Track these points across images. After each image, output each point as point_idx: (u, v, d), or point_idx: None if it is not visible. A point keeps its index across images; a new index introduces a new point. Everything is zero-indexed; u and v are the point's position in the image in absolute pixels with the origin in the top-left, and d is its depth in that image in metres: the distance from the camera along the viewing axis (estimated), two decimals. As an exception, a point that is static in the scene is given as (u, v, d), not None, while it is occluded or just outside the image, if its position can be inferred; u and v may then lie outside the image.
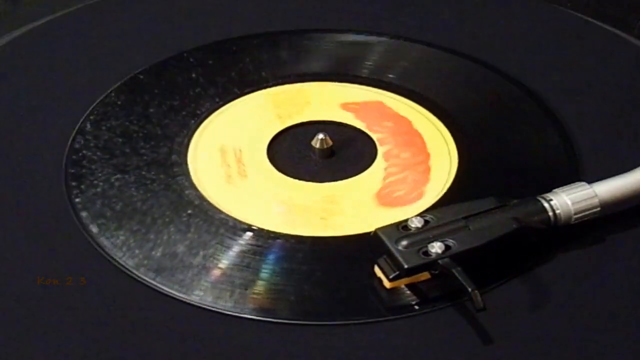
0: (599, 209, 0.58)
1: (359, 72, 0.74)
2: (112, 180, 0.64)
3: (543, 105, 0.70)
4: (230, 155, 0.66)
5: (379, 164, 0.65)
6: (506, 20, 0.82)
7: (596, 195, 0.58)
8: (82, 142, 0.67)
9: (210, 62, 0.75)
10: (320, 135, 0.66)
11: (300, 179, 0.64)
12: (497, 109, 0.71)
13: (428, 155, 0.66)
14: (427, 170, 0.65)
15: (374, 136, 0.68)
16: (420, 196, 0.63)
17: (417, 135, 0.68)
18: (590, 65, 0.76)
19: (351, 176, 0.65)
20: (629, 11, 0.88)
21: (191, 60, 0.75)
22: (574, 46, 0.78)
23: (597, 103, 0.71)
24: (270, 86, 0.73)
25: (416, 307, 0.55)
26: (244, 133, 0.68)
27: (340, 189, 0.63)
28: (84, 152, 0.66)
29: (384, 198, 0.63)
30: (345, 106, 0.71)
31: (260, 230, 0.60)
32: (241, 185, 0.64)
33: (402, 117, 0.69)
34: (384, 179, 0.64)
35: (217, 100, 0.71)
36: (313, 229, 0.60)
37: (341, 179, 0.64)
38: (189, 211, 0.61)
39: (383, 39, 0.78)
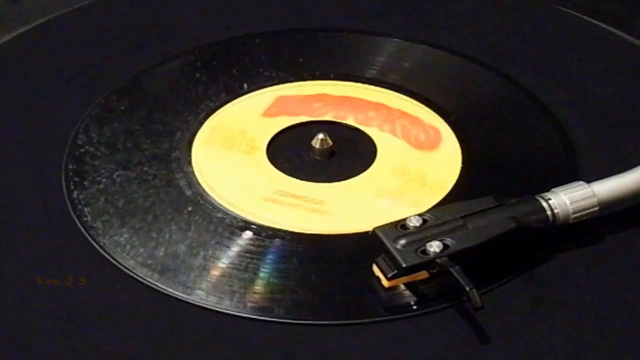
0: (597, 208, 0.58)
1: (360, 73, 0.74)
2: (113, 179, 0.64)
3: (542, 104, 0.70)
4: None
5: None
6: (506, 21, 0.82)
7: (595, 195, 0.58)
8: (82, 142, 0.67)
9: (214, 62, 0.76)
10: (320, 135, 0.66)
11: (300, 178, 0.64)
12: (496, 109, 0.71)
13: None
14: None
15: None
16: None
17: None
18: (590, 65, 0.76)
19: (351, 176, 0.65)
20: (629, 11, 0.89)
21: (192, 58, 0.76)
22: (574, 46, 0.78)
23: (597, 103, 0.71)
24: (276, 84, 0.73)
25: (415, 307, 0.55)
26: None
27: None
28: (84, 152, 0.66)
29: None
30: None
31: (260, 229, 0.60)
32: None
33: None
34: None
35: (218, 98, 0.71)
36: (312, 229, 0.60)
37: (341, 179, 0.64)
38: (190, 210, 0.61)
39: (384, 39, 0.78)
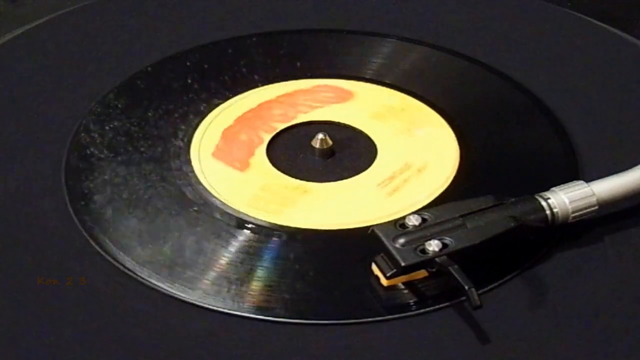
0: (596, 207, 0.58)
1: (358, 73, 0.74)
2: (113, 179, 0.64)
3: (542, 104, 0.70)
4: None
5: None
6: (506, 21, 0.82)
7: (594, 194, 0.58)
8: (82, 141, 0.67)
9: (207, 63, 0.76)
10: (320, 135, 0.66)
11: (300, 178, 0.64)
12: (495, 108, 0.71)
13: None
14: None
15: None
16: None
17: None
18: (590, 65, 0.76)
19: (351, 175, 0.65)
20: (629, 11, 0.89)
21: (188, 63, 0.76)
22: (574, 46, 0.78)
23: (596, 102, 0.71)
24: (278, 81, 0.73)
25: (414, 306, 0.55)
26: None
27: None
28: (84, 151, 0.66)
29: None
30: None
31: (258, 228, 0.60)
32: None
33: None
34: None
35: (219, 95, 0.72)
36: (312, 228, 0.60)
37: (341, 179, 0.64)
38: (189, 209, 0.61)
39: (383, 39, 0.78)
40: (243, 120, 0.69)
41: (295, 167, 0.66)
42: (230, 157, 0.66)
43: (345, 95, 0.72)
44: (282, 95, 0.72)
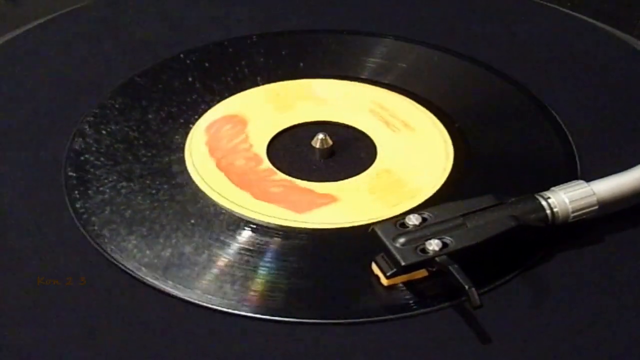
0: (596, 207, 0.58)
1: (357, 73, 0.74)
2: (112, 178, 0.64)
3: (542, 104, 0.70)
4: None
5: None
6: (506, 21, 0.82)
7: (594, 194, 0.58)
8: (82, 142, 0.67)
9: (206, 64, 0.76)
10: (320, 135, 0.66)
11: (300, 178, 0.64)
12: (496, 108, 0.71)
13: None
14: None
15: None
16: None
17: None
18: (590, 65, 0.76)
19: (352, 176, 0.65)
20: (629, 11, 0.89)
21: (188, 62, 0.76)
22: (574, 46, 0.78)
23: (596, 102, 0.71)
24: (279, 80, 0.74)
25: (414, 305, 0.55)
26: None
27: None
28: (84, 151, 0.66)
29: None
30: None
31: (258, 228, 0.60)
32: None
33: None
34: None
35: (219, 96, 0.72)
36: (311, 228, 0.60)
37: (341, 179, 0.64)
38: (190, 209, 0.61)
39: (382, 39, 0.78)
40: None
41: (295, 167, 0.65)
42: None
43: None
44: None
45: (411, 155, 0.66)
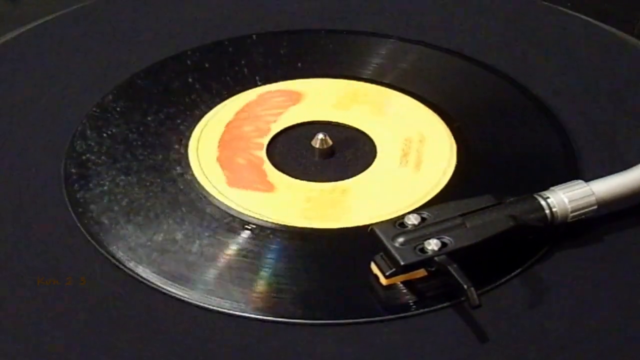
0: (596, 207, 0.58)
1: (358, 73, 0.74)
2: (112, 178, 0.64)
3: (541, 104, 0.70)
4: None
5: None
6: (506, 21, 0.82)
7: (593, 194, 0.58)
8: (82, 141, 0.67)
9: (206, 64, 0.76)
10: (320, 135, 0.66)
11: (300, 178, 0.64)
12: (496, 108, 0.71)
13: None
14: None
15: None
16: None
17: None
18: (590, 65, 0.76)
19: (351, 176, 0.65)
20: (629, 11, 0.89)
21: (189, 62, 0.76)
22: (574, 46, 0.78)
23: (596, 102, 0.71)
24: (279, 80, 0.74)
25: (413, 305, 0.55)
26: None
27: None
28: (83, 151, 0.66)
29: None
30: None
31: (258, 228, 0.60)
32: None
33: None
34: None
35: (220, 96, 0.72)
36: (311, 228, 0.60)
37: (341, 179, 0.64)
38: (190, 209, 0.61)
39: (383, 39, 0.78)
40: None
41: (295, 167, 0.66)
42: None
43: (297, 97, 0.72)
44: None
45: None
